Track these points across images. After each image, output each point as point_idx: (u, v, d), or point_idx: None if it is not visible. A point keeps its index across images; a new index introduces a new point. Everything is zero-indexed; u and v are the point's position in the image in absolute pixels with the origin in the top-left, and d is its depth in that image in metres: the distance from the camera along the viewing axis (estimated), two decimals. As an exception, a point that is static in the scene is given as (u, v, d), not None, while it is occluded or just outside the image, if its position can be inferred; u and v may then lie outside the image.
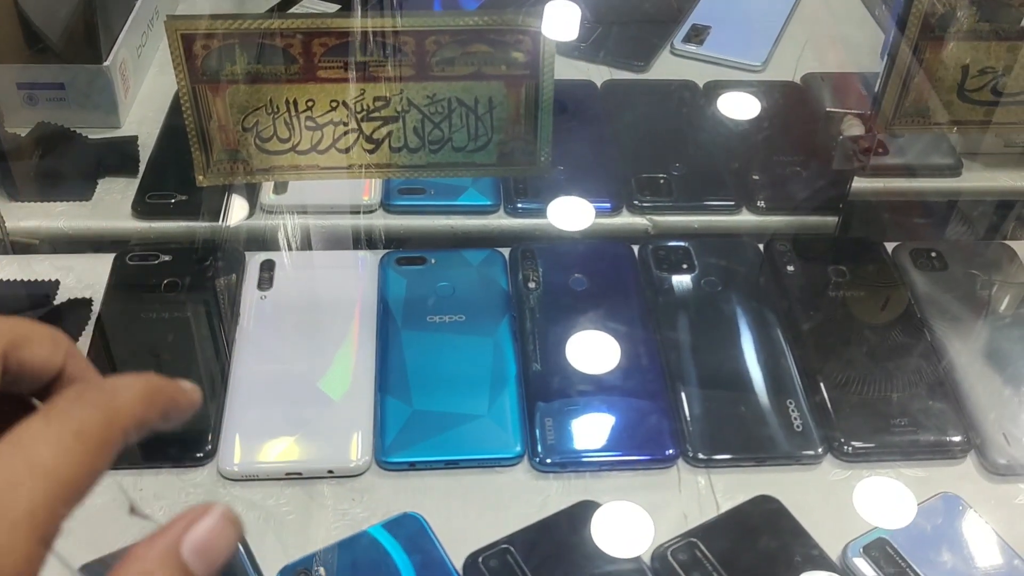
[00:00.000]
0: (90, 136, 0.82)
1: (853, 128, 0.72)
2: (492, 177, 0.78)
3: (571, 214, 0.77)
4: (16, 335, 0.30)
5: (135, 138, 0.82)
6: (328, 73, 0.65)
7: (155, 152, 0.81)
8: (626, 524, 0.58)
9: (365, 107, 0.66)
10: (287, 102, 0.66)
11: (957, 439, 0.63)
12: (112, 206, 0.77)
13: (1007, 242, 0.75)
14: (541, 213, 0.78)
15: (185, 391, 0.31)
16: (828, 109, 0.79)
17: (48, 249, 0.76)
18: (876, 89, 0.69)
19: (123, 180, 0.79)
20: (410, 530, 0.57)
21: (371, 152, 0.68)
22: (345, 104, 0.66)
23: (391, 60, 0.65)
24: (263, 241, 0.75)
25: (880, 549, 0.57)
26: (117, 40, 0.83)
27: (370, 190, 0.78)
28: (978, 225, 0.79)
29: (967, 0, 0.66)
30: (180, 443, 0.61)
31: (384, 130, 0.67)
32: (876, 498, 0.60)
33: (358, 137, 0.67)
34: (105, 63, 0.81)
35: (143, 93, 0.89)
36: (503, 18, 0.63)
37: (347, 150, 0.68)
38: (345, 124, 0.67)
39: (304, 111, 0.66)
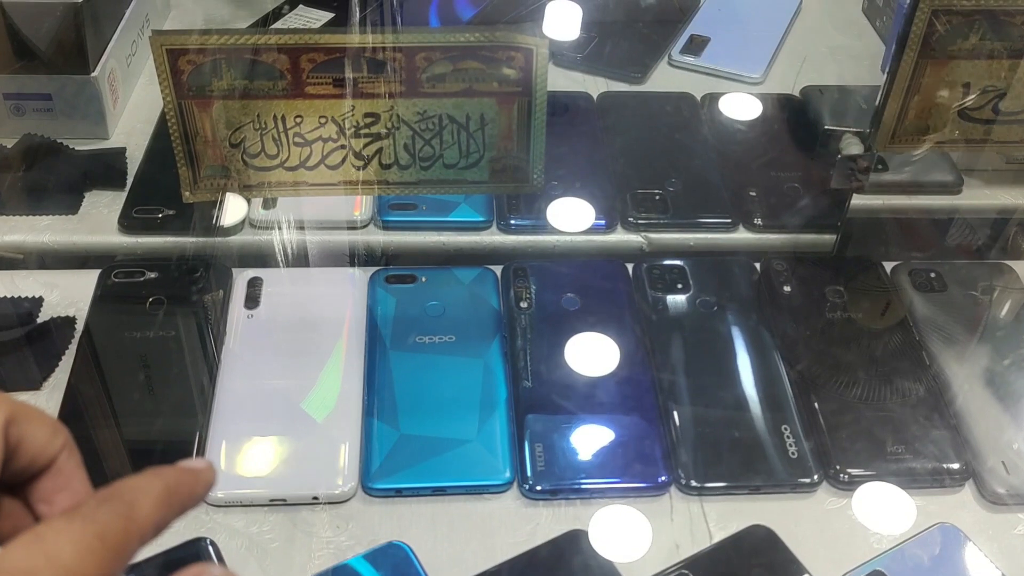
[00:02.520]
0: (77, 148, 0.80)
1: (852, 146, 0.71)
2: (488, 194, 0.77)
3: (565, 231, 0.76)
4: (18, 411, 0.31)
5: (123, 150, 0.81)
6: (316, 89, 0.64)
7: (143, 165, 0.80)
8: (616, 554, 0.57)
9: (355, 123, 0.65)
10: (275, 118, 0.64)
11: (955, 467, 0.62)
12: (99, 220, 0.76)
13: (1008, 262, 0.74)
14: (534, 230, 0.76)
15: (201, 478, 0.32)
16: (826, 127, 0.78)
17: (33, 264, 0.74)
18: (876, 105, 0.68)
19: (110, 193, 0.78)
20: (395, 560, 0.56)
21: (361, 169, 0.67)
22: (334, 120, 0.65)
23: (381, 76, 0.64)
24: (251, 257, 0.74)
25: (876, 582, 0.56)
26: (106, 50, 0.82)
27: (361, 206, 0.77)
28: (978, 244, 0.78)
29: (969, 18, 0.65)
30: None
31: (374, 147, 0.66)
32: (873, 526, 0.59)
33: (347, 154, 0.66)
34: (93, 73, 0.80)
35: (133, 103, 0.87)
36: (495, 34, 0.62)
37: (336, 167, 0.67)
38: (334, 140, 0.65)
39: (292, 127, 0.65)
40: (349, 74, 0.64)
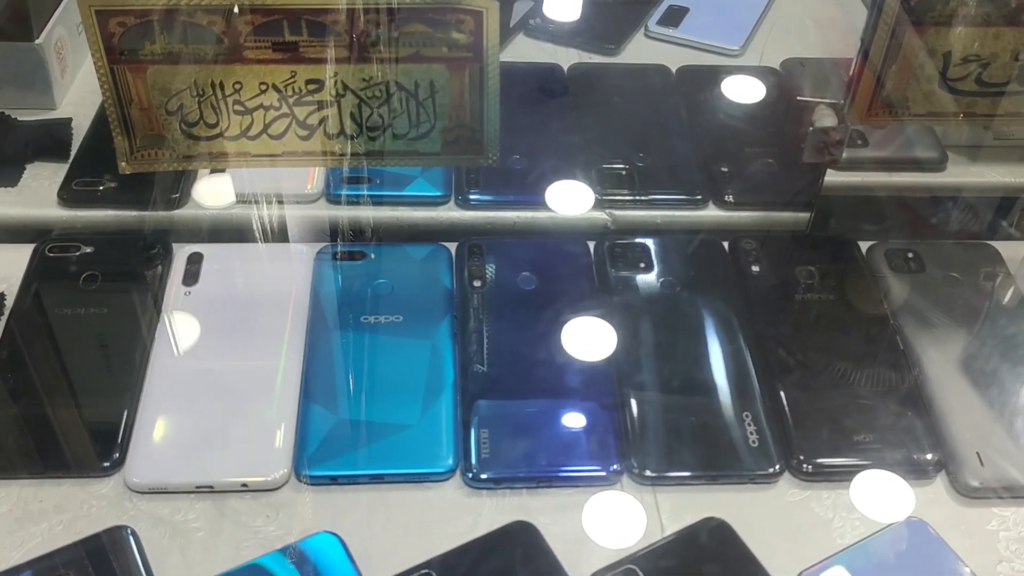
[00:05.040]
0: (21, 118, 0.77)
1: (825, 119, 0.67)
2: (439, 167, 0.73)
3: (526, 207, 0.73)
4: None
5: (68, 121, 0.78)
6: (255, 54, 0.60)
7: (89, 136, 0.77)
8: (561, 547, 0.54)
9: (297, 90, 0.62)
10: (213, 84, 0.61)
11: (927, 458, 0.58)
12: (39, 193, 0.73)
13: (991, 242, 0.70)
14: (494, 205, 0.73)
15: None
16: (799, 98, 0.74)
17: (-30, 238, 0.71)
18: (851, 75, 0.64)
19: (53, 166, 0.74)
20: (325, 552, 0.53)
21: (305, 139, 0.63)
22: (275, 87, 0.61)
23: (323, 40, 0.60)
24: (196, 232, 0.71)
25: (837, 580, 0.53)
26: (52, 17, 0.79)
27: (313, 179, 0.74)
28: (961, 224, 0.74)
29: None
30: (86, 451, 0.57)
31: (318, 115, 0.62)
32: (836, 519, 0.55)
33: (291, 122, 0.63)
34: (37, 40, 0.76)
35: (85, 72, 0.84)
36: (442, -5, 0.58)
37: (280, 136, 0.63)
38: (276, 108, 0.62)
39: (231, 94, 0.61)
40: (289, 38, 0.60)
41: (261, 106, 0.62)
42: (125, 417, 0.58)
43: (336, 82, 0.61)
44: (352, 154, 0.64)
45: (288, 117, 0.62)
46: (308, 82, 0.61)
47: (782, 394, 0.60)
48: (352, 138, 0.64)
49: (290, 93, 0.61)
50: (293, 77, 0.61)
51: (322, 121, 0.63)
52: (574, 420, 0.59)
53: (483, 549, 0.53)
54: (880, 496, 0.57)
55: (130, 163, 0.63)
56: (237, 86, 0.61)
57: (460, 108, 0.63)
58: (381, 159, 0.64)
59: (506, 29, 0.90)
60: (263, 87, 0.61)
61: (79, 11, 0.58)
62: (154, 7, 0.58)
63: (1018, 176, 0.76)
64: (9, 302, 0.64)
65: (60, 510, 0.55)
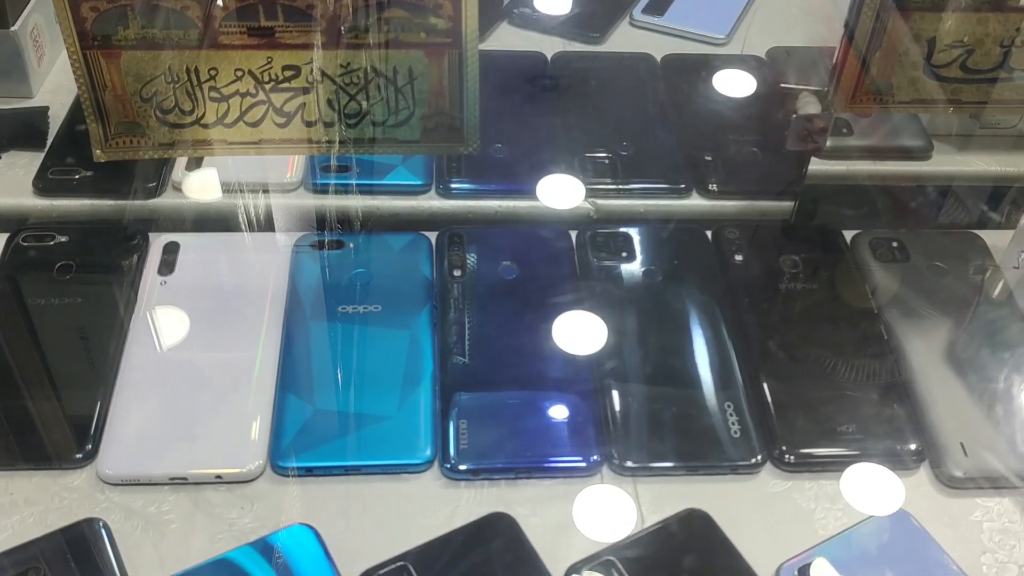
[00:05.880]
0: (-3, 106, 0.76)
1: (809, 106, 0.66)
2: (419, 155, 0.72)
3: (508, 196, 0.72)
4: None
5: (45, 109, 0.77)
6: (230, 39, 0.59)
7: (65, 125, 0.76)
8: (539, 539, 0.53)
9: (273, 77, 0.61)
10: (188, 70, 0.60)
11: (910, 448, 0.57)
12: (14, 182, 0.72)
13: (977, 231, 0.69)
14: (475, 194, 0.72)
15: None
16: (783, 85, 0.73)
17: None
18: (834, 62, 0.63)
19: (29, 154, 0.73)
20: (299, 545, 0.52)
21: (282, 127, 0.63)
22: (251, 73, 0.60)
23: (299, 25, 0.59)
24: (173, 221, 0.70)
25: (819, 572, 0.52)
26: (28, 4, 0.78)
27: (293, 167, 0.73)
28: (946, 212, 0.73)
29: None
30: (59, 443, 0.56)
31: (295, 102, 0.61)
32: (818, 510, 0.55)
33: (267, 110, 0.62)
34: (13, 28, 0.75)
35: (62, 61, 0.83)
36: (420, -19, 0.57)
37: (257, 123, 0.62)
38: (252, 95, 0.61)
39: (207, 81, 0.60)
40: (264, 23, 0.59)
41: (237, 93, 0.61)
42: (98, 408, 0.57)
43: (313, 68, 0.60)
44: (330, 142, 0.63)
45: (265, 104, 0.61)
46: (285, 68, 0.60)
47: (764, 384, 0.60)
48: (330, 126, 0.63)
49: (266, 80, 0.61)
50: (269, 63, 0.60)
51: (299, 108, 0.62)
52: (554, 411, 0.58)
53: (460, 541, 0.53)
54: (863, 487, 0.56)
55: (105, 151, 0.63)
56: (213, 72, 0.60)
57: (439, 95, 0.62)
58: (360, 147, 0.63)
59: (493, 15, 0.89)
60: (239, 73, 0.60)
61: (50, -4, 0.57)
62: (127, -9, 0.57)
63: (1004, 164, 0.75)
64: (-18, 292, 0.63)
65: (31, 503, 0.54)
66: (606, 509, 0.55)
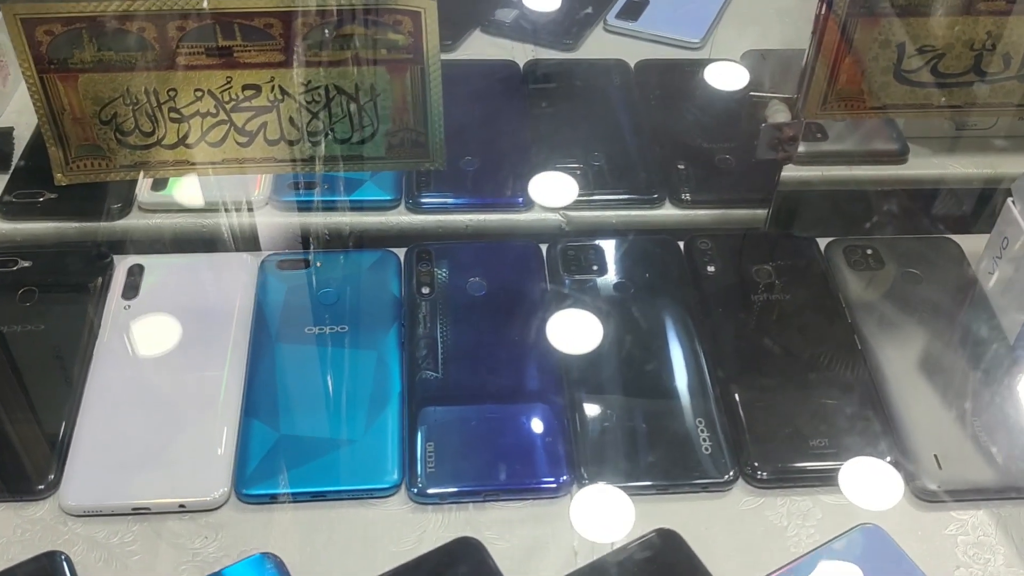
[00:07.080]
0: (-39, 128, 0.75)
1: (778, 114, 0.66)
2: (385, 171, 0.71)
3: (479, 209, 0.71)
4: None
5: (10, 130, 0.76)
6: (188, 60, 0.59)
7: (30, 146, 0.75)
8: (507, 563, 0.52)
9: (234, 96, 0.60)
10: (147, 92, 0.59)
11: (883, 462, 0.56)
12: (-22, 205, 0.71)
13: (952, 236, 0.68)
14: (445, 209, 0.71)
15: None
16: (752, 93, 0.72)
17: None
18: (803, 68, 0.62)
19: (-6, 177, 0.73)
20: (264, 573, 0.51)
21: (245, 146, 0.62)
22: (211, 93, 0.60)
23: (257, 44, 0.59)
24: (138, 243, 0.69)
25: (790, 590, 0.51)
26: (-8, 23, 0.77)
27: (260, 185, 0.72)
28: (922, 217, 0.72)
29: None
30: (19, 474, 0.55)
31: (257, 121, 0.61)
32: (790, 527, 0.54)
33: (229, 129, 0.61)
34: (-25, 48, 0.75)
35: (29, 80, 0.82)
36: (378, -4, 0.57)
37: (218, 143, 0.62)
38: (213, 115, 0.60)
39: (167, 102, 0.60)
40: (222, 42, 0.58)
41: (198, 113, 0.60)
42: (61, 437, 0.56)
43: (274, 87, 0.60)
44: (294, 160, 0.63)
45: (226, 124, 0.61)
46: (245, 88, 0.60)
47: (736, 398, 0.59)
48: (293, 144, 0.62)
49: (227, 99, 0.60)
50: (229, 83, 0.59)
51: (262, 127, 0.61)
52: (523, 431, 0.58)
53: (426, 568, 0.52)
54: (836, 502, 0.55)
55: (66, 174, 0.62)
56: (172, 93, 0.59)
57: (403, 111, 0.61)
58: (324, 164, 0.63)
59: (465, 23, 0.88)
60: (198, 94, 0.60)
61: (3, 19, 0.56)
62: (81, 14, 0.56)
63: (980, 167, 0.74)
64: (-56, 320, 0.63)
65: (-8, 535, 0.54)
66: (576, 530, 0.54)
